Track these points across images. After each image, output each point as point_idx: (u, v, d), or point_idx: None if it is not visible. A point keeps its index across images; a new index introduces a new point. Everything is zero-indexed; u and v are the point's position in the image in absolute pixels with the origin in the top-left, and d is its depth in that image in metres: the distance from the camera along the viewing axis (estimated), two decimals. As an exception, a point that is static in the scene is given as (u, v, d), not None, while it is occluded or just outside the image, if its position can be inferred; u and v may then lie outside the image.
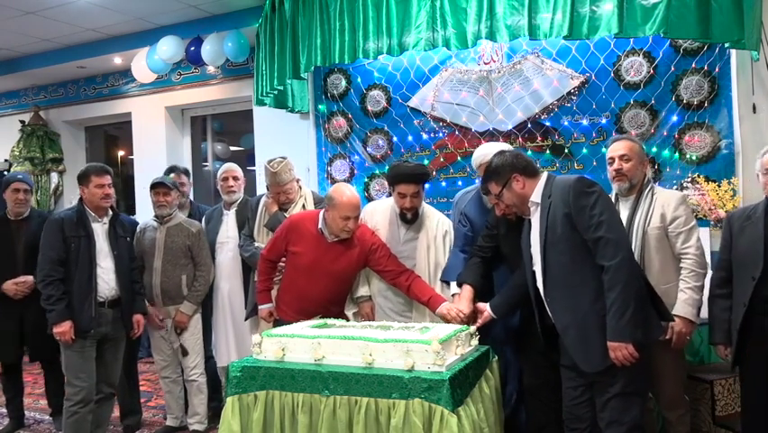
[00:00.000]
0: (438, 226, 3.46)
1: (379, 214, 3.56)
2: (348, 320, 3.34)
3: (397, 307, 3.44)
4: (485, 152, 3.26)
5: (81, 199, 3.66)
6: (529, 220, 2.70)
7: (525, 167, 2.67)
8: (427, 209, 3.53)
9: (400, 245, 3.44)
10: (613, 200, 3.00)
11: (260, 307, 3.57)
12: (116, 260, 3.65)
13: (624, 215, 2.96)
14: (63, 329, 3.45)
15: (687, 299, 2.85)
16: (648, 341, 2.51)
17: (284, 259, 3.49)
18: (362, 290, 3.51)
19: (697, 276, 2.87)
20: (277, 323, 3.43)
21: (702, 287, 2.90)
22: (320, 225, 3.34)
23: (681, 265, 2.90)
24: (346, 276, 3.40)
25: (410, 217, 3.41)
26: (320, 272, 3.31)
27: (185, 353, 4.03)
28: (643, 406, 2.60)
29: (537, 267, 2.63)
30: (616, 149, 3.04)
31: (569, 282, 2.53)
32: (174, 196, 4.06)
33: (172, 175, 4.49)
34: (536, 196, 2.63)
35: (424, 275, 3.36)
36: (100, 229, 3.64)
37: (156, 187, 4.04)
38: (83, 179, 3.63)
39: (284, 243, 3.42)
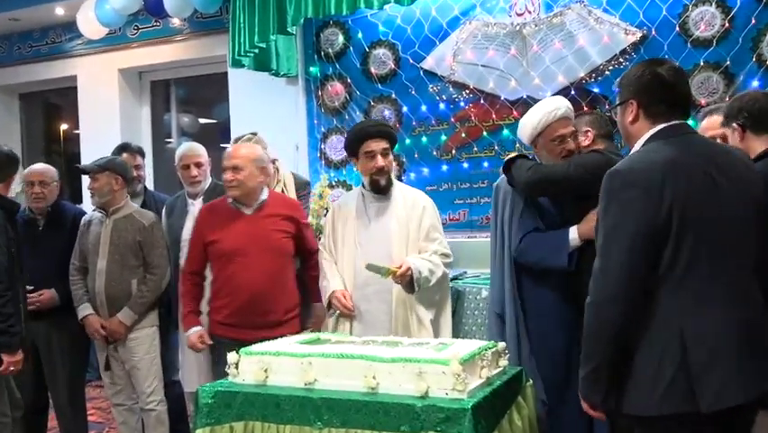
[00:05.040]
0: (415, 201, 3.52)
1: (349, 197, 3.74)
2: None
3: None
4: (540, 112, 3.15)
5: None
6: None
7: (649, 103, 2.29)
8: (400, 185, 3.64)
9: (370, 226, 3.52)
10: None
11: (188, 333, 3.65)
12: None
13: None
14: (19, 358, 3.38)
15: None
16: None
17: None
18: (334, 283, 3.55)
19: None
20: (214, 344, 3.57)
21: None
22: (229, 200, 3.60)
23: None
24: (283, 249, 3.61)
25: (384, 184, 3.47)
26: (251, 252, 3.49)
27: (107, 367, 4.05)
28: None
29: None
30: (716, 127, 2.93)
31: None
32: (104, 181, 4.00)
33: (125, 155, 4.45)
34: (639, 146, 2.34)
35: (401, 254, 3.39)
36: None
37: (81, 173, 4.14)
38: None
39: (200, 240, 3.61)
